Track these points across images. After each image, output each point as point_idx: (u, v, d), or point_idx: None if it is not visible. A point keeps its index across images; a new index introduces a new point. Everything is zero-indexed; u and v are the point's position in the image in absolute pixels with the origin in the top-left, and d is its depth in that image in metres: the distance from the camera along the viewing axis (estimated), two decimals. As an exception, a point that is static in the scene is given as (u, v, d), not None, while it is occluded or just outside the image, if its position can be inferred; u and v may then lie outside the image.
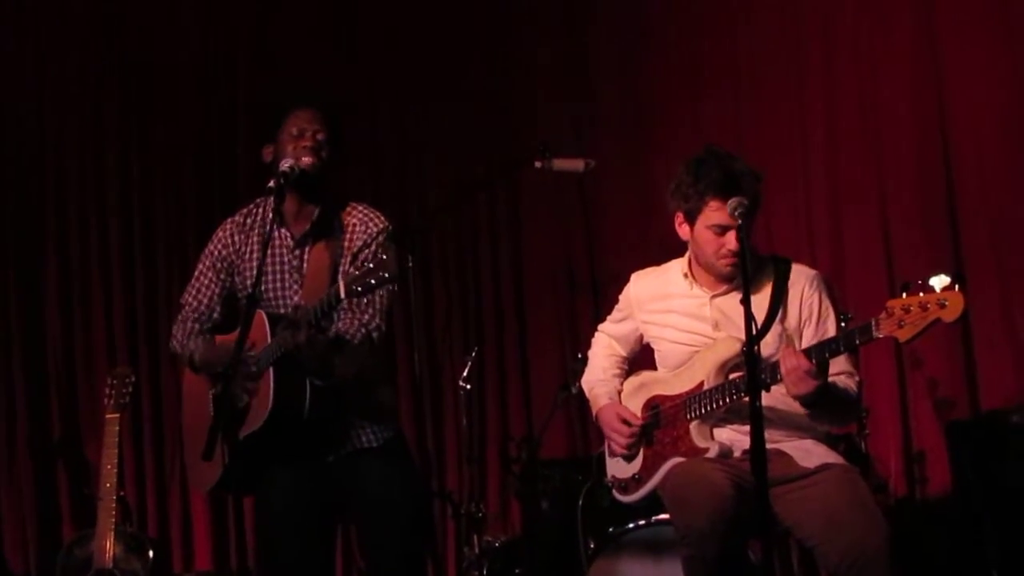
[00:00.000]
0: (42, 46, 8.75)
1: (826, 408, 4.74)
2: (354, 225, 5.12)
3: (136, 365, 8.08)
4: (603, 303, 6.68)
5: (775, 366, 4.67)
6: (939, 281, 4.28)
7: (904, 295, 4.35)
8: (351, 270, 4.67)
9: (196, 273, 5.31)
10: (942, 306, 4.28)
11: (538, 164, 5.93)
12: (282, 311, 5.02)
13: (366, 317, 5.00)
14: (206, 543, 8.37)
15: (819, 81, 7.81)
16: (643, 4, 8.60)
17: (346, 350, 4.95)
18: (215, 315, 5.28)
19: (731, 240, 4.85)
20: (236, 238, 5.24)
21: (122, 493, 7.17)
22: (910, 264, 7.14)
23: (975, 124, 7.28)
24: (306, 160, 5.00)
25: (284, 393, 4.83)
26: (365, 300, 4.93)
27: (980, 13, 7.30)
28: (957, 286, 4.27)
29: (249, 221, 5.25)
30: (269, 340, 4.87)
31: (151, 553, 7.00)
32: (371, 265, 4.51)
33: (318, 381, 4.89)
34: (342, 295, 4.59)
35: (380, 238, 5.08)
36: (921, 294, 4.31)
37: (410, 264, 5.10)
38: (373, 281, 4.50)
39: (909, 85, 7.49)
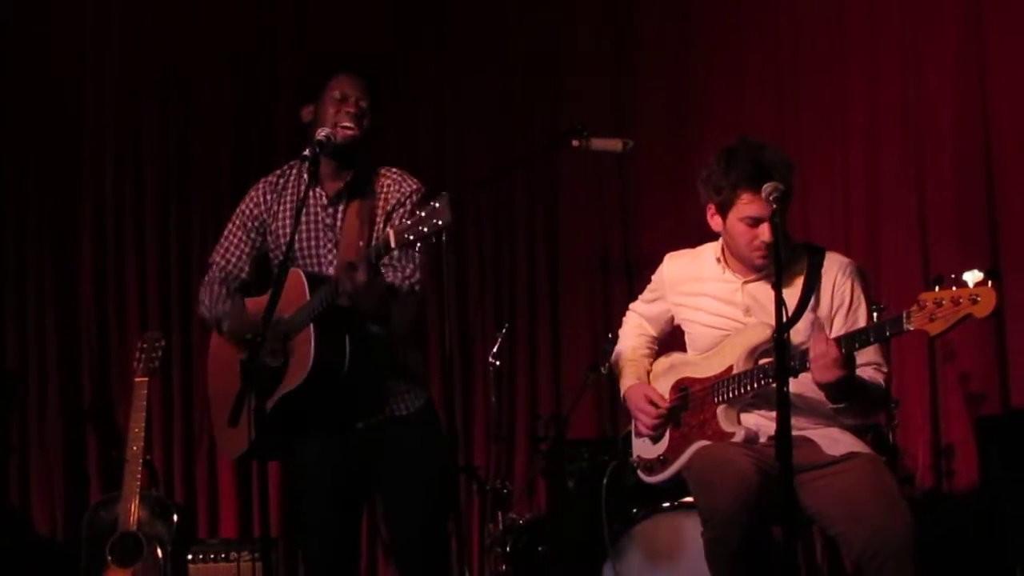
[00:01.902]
0: (83, 7, 8.77)
1: (852, 400, 4.72)
2: (388, 186, 5.11)
3: (168, 330, 8.10)
4: (637, 284, 6.66)
5: (805, 353, 4.66)
6: (972, 276, 4.27)
7: (937, 289, 4.33)
8: (399, 220, 4.61)
9: (226, 232, 5.31)
10: (974, 301, 4.26)
11: (576, 143, 5.94)
12: (316, 270, 5.03)
13: (407, 271, 4.97)
14: (231, 510, 8.39)
15: (861, 71, 7.78)
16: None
17: (397, 298, 4.94)
18: (244, 275, 5.26)
19: (764, 232, 4.83)
20: (268, 198, 5.23)
21: (149, 457, 7.20)
22: (946, 261, 7.08)
23: (1018, 121, 7.25)
24: (345, 132, 5.00)
25: (324, 350, 4.79)
26: (407, 254, 4.89)
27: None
28: (990, 282, 4.25)
29: (282, 182, 5.24)
30: (308, 298, 4.85)
31: (176, 518, 7.02)
32: (422, 213, 4.44)
33: (375, 328, 4.89)
34: (392, 244, 4.53)
35: (415, 197, 5.07)
36: (954, 288, 4.30)
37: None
38: (425, 229, 4.42)
39: (953, 79, 7.46)
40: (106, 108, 8.70)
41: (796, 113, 8.00)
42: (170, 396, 8.43)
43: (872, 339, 4.59)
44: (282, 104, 8.55)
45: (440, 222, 4.41)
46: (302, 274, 4.92)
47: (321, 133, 4.93)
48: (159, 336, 7.32)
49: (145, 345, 7.23)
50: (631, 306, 5.55)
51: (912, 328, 4.40)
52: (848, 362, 4.58)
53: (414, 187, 5.12)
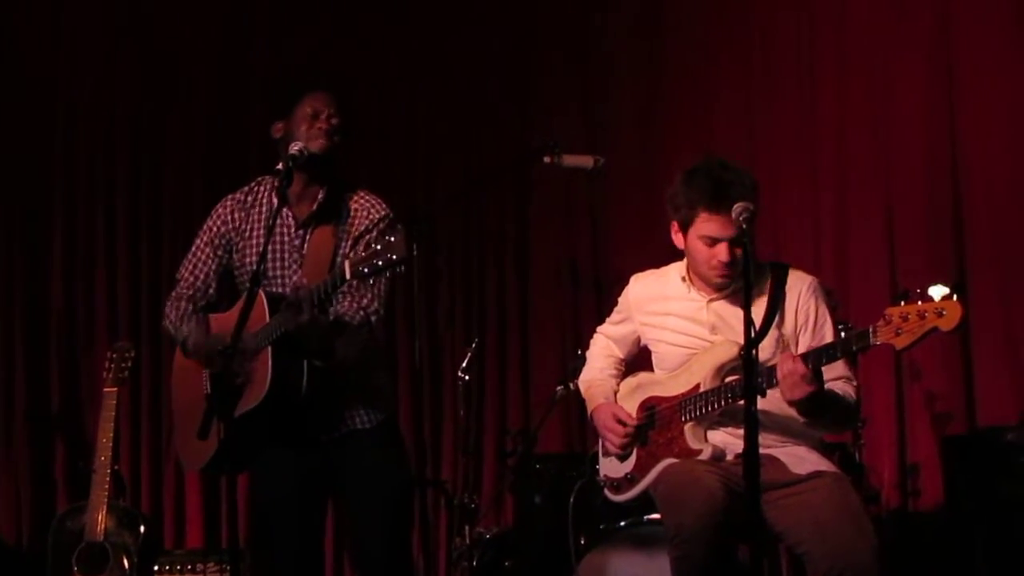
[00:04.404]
0: (59, 18, 8.75)
1: (823, 414, 4.74)
2: (357, 210, 5.14)
3: (137, 341, 8.09)
4: (606, 301, 6.69)
5: (771, 370, 4.67)
6: (938, 291, 4.29)
7: (903, 303, 4.36)
8: (358, 252, 4.64)
9: (193, 248, 5.32)
10: (940, 315, 4.29)
11: (548, 159, 5.93)
12: (280, 291, 5.05)
13: (364, 301, 5.01)
14: (198, 521, 8.38)
15: (831, 89, 7.84)
16: (659, 6, 8.59)
17: (346, 333, 4.96)
18: (210, 291, 5.29)
19: (722, 252, 4.86)
20: (236, 215, 5.25)
21: (116, 467, 7.19)
22: (914, 279, 7.12)
23: (985, 145, 7.32)
24: (319, 143, 5.02)
25: (282, 373, 4.83)
26: (366, 284, 4.93)
27: (996, 33, 7.35)
28: (955, 296, 4.28)
29: (250, 199, 5.26)
30: (268, 320, 4.87)
31: (143, 528, 7.01)
32: (378, 247, 4.47)
33: (318, 362, 4.90)
34: (347, 276, 4.56)
35: (382, 224, 5.10)
36: (919, 303, 4.32)
37: (415, 252, 5.11)
38: (380, 263, 4.45)
39: (921, 104, 7.53)
40: (79, 116, 8.69)
41: (766, 131, 8.05)
42: (138, 407, 8.42)
43: (839, 354, 4.62)
44: (254, 115, 8.51)
45: (394, 256, 4.44)
46: (264, 296, 4.94)
47: (294, 147, 4.95)
48: (129, 347, 7.31)
49: (115, 355, 7.22)
50: (599, 329, 5.56)
51: (878, 343, 4.42)
52: (816, 377, 4.60)
53: (382, 214, 5.16)
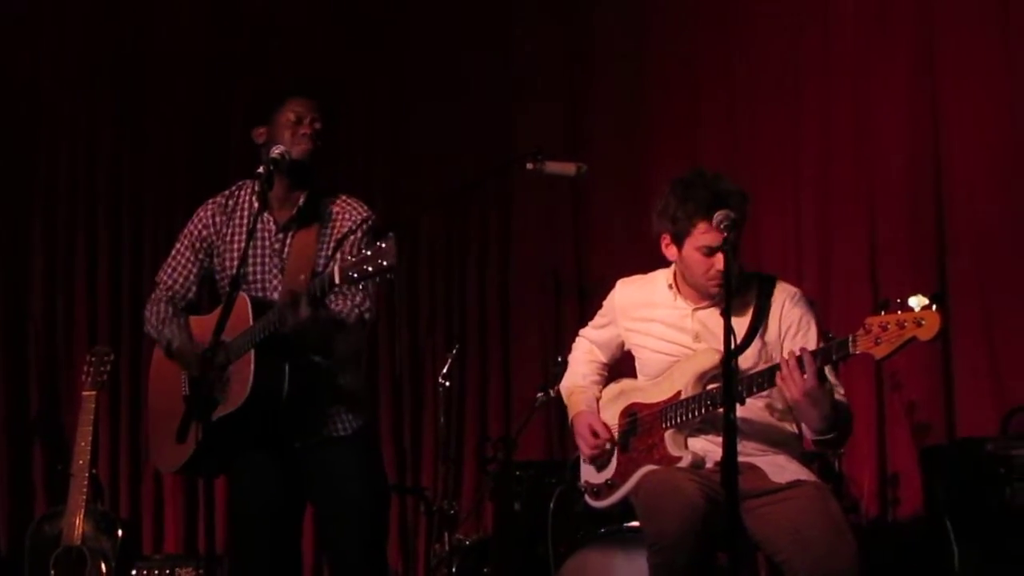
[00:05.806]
0: (40, 25, 8.73)
1: (834, 424, 4.71)
2: (338, 213, 5.12)
3: (117, 344, 8.08)
4: (588, 307, 6.69)
5: (752, 379, 4.68)
6: (917, 301, 4.31)
7: (883, 313, 4.37)
8: (347, 256, 4.62)
9: (174, 252, 5.29)
10: (919, 324, 4.30)
11: (530, 166, 5.93)
12: (263, 295, 5.03)
13: (357, 299, 4.99)
14: (176, 526, 8.38)
15: (814, 100, 7.86)
16: (643, 15, 8.61)
17: (343, 330, 4.96)
18: (190, 295, 5.26)
19: (720, 261, 4.83)
20: (217, 219, 5.22)
21: (95, 471, 7.16)
22: (895, 289, 7.11)
23: (968, 157, 7.35)
24: (302, 148, 5.01)
25: (264, 376, 4.81)
26: (356, 286, 4.90)
27: (979, 44, 7.38)
28: (935, 306, 4.29)
29: (231, 203, 5.23)
30: (251, 323, 4.85)
31: (120, 532, 6.99)
32: (367, 252, 4.44)
33: (319, 359, 4.91)
34: (336, 281, 4.53)
35: (365, 226, 5.09)
36: (899, 312, 4.33)
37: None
38: (370, 269, 4.41)
39: (904, 115, 7.56)
40: (61, 121, 8.68)
41: (749, 141, 8.07)
42: (117, 410, 8.41)
43: (819, 363, 4.62)
44: (236, 119, 8.54)
45: (384, 263, 4.40)
46: (247, 299, 4.92)
47: (276, 151, 4.93)
48: (107, 350, 7.29)
49: (93, 359, 7.20)
50: (581, 332, 5.55)
51: (858, 351, 4.43)
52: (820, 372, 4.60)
53: (364, 215, 5.14)
